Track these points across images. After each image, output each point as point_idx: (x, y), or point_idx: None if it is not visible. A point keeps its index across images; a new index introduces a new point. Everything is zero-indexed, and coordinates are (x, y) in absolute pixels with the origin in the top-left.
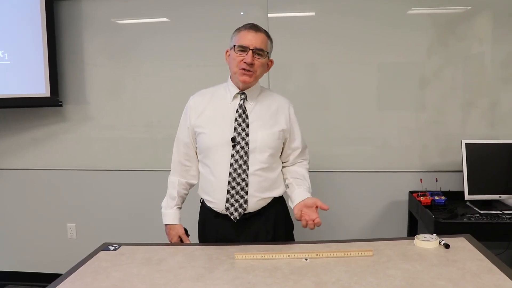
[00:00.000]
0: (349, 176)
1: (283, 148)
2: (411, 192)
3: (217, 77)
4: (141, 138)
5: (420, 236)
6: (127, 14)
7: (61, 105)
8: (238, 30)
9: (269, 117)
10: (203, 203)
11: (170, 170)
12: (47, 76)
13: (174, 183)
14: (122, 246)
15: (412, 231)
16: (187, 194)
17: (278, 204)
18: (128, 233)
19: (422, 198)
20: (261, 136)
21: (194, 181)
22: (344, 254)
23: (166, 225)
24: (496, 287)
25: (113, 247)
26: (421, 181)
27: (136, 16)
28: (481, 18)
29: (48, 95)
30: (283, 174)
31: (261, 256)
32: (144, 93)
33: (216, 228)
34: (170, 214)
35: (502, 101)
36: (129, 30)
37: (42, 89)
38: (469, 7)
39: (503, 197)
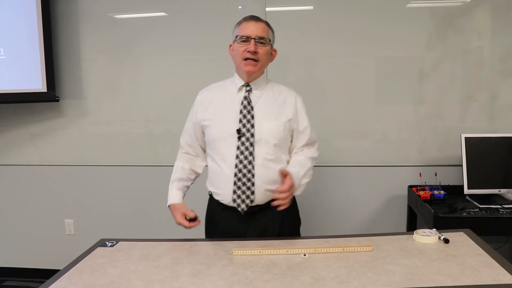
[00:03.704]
0: (347, 170)
1: (292, 141)
2: (410, 187)
3: (215, 71)
4: (139, 133)
5: (419, 231)
6: (125, 9)
7: (58, 100)
8: (239, 23)
9: (275, 108)
10: (211, 196)
11: (168, 166)
12: (43, 71)
13: (178, 168)
14: (120, 242)
15: (411, 226)
16: (192, 180)
17: None
18: (126, 228)
19: (421, 193)
20: (266, 127)
21: (199, 170)
22: (343, 249)
23: (169, 206)
24: (495, 282)
25: (111, 243)
26: (420, 175)
27: (133, 10)
28: (480, 11)
29: (45, 90)
30: None
31: (259, 252)
32: (142, 88)
33: (224, 221)
34: (171, 195)
35: (501, 95)
36: (127, 25)
37: (38, 84)
38: (468, 1)
39: (502, 191)
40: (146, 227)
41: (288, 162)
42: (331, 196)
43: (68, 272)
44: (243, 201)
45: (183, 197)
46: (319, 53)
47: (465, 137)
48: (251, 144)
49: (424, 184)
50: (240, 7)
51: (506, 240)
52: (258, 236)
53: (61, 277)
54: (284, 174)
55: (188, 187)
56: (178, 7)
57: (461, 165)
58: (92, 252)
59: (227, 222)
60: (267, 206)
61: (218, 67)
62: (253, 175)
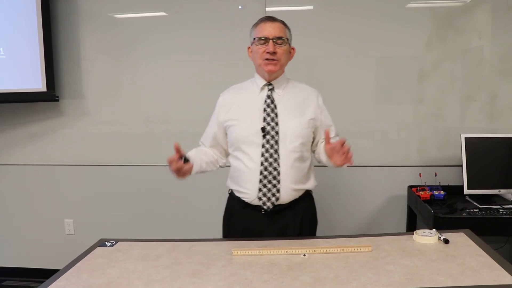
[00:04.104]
0: (347, 170)
1: (314, 138)
2: (410, 187)
3: (215, 71)
4: (139, 133)
5: (419, 231)
6: (125, 9)
7: (57, 100)
8: (255, 24)
9: (297, 106)
10: (231, 194)
11: (168, 166)
12: (43, 71)
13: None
14: (119, 242)
15: (411, 226)
16: (209, 158)
17: (308, 199)
18: (126, 228)
19: (421, 193)
20: (290, 125)
21: (218, 158)
22: (343, 249)
23: None
24: (495, 282)
25: (110, 243)
26: (420, 176)
27: (133, 10)
28: (480, 11)
29: (45, 90)
30: (316, 153)
31: (259, 252)
32: (142, 88)
33: (244, 219)
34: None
35: (501, 95)
36: (127, 25)
37: (38, 84)
38: (468, 1)
39: (502, 191)
40: (146, 227)
41: (310, 161)
42: (330, 196)
43: (67, 272)
44: (268, 199)
45: (194, 160)
46: (319, 53)
47: (465, 137)
48: (276, 142)
49: (424, 184)
50: (240, 7)
51: (506, 241)
52: (278, 236)
53: (61, 277)
54: (327, 135)
55: (203, 161)
56: (178, 7)
57: (461, 165)
58: (91, 252)
59: (247, 220)
60: (289, 206)
61: (218, 67)
62: (278, 173)
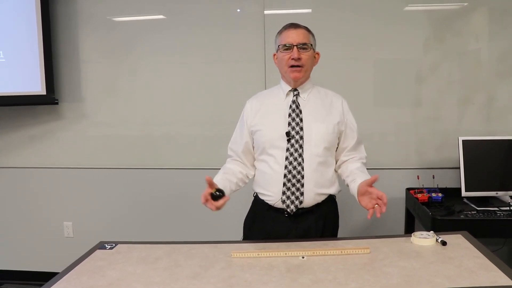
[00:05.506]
0: None
1: (338, 144)
2: (408, 189)
3: (214, 73)
4: (138, 136)
5: (417, 233)
6: (123, 12)
7: (57, 103)
8: (279, 32)
9: (323, 111)
10: (256, 197)
11: (167, 168)
12: (42, 74)
13: (224, 167)
14: (119, 245)
15: (409, 228)
16: (238, 179)
17: (331, 203)
18: (125, 231)
19: (419, 195)
20: (315, 130)
21: (248, 175)
22: (341, 252)
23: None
24: (492, 284)
25: (110, 246)
26: (418, 178)
27: (132, 13)
28: (477, 14)
29: (44, 93)
30: (341, 173)
31: (258, 255)
32: (141, 90)
33: (267, 221)
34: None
35: (498, 97)
36: (125, 28)
37: (37, 87)
38: (465, 4)
39: (499, 193)
40: (145, 230)
41: (334, 166)
42: None
43: (67, 275)
44: (292, 202)
45: (224, 186)
46: None
47: (463, 140)
48: (300, 146)
49: (421, 186)
50: (238, 10)
51: (504, 243)
52: (300, 238)
53: (60, 280)
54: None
55: (232, 182)
56: (176, 10)
57: (459, 168)
58: (91, 255)
59: (270, 222)
60: (312, 210)
61: (216, 69)
62: (302, 177)
